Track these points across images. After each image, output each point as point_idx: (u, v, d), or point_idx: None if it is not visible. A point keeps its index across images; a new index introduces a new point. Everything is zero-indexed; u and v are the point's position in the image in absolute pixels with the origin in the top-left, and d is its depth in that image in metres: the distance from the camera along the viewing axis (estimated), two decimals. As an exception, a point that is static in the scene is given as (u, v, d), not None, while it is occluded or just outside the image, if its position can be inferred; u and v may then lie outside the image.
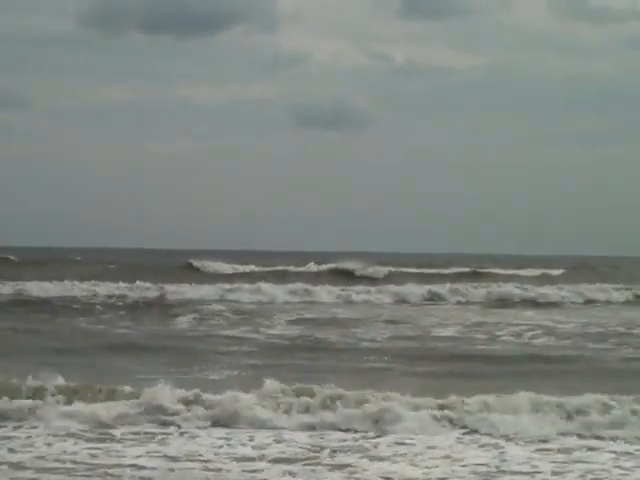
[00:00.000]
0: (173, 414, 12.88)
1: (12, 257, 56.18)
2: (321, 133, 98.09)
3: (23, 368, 14.84)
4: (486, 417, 12.83)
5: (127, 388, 13.63)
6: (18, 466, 10.38)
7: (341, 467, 10.60)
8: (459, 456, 11.24)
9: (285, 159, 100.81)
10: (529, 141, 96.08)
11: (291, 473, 10.31)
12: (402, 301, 37.32)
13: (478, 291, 39.56)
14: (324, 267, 50.54)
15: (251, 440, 11.95)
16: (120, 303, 32.61)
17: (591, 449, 11.76)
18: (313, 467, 10.61)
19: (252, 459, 10.93)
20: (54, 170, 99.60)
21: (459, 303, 37.25)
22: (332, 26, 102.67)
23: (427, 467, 10.70)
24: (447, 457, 11.15)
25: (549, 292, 39.59)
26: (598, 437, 12.42)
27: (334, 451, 11.36)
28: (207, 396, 13.34)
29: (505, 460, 11.10)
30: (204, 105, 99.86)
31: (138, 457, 10.87)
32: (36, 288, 35.03)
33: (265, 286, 37.66)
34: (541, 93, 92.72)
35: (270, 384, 13.61)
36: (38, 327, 25.30)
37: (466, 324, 27.67)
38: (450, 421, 12.83)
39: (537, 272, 54.10)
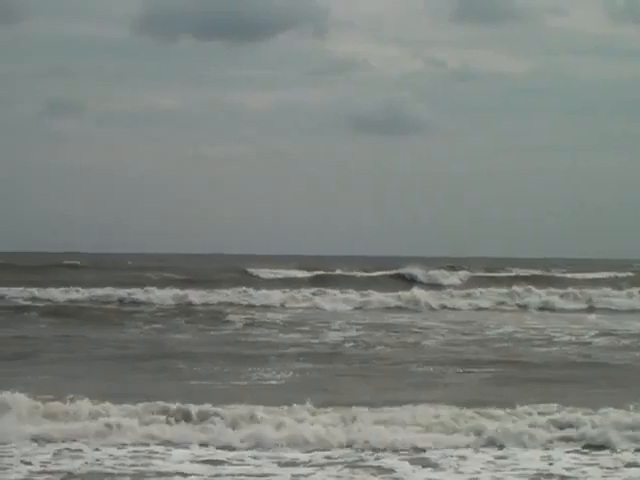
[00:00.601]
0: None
1: (78, 262, 56.51)
2: (374, 138, 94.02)
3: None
4: None
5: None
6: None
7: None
8: None
9: (336, 164, 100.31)
10: (583, 147, 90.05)
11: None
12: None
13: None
14: (389, 272, 48.90)
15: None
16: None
17: None
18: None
19: None
20: (105, 176, 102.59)
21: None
22: (385, 31, 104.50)
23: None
24: None
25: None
26: None
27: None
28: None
29: None
30: (255, 110, 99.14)
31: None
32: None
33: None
34: (595, 97, 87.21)
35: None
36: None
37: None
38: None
39: (604, 275, 52.35)
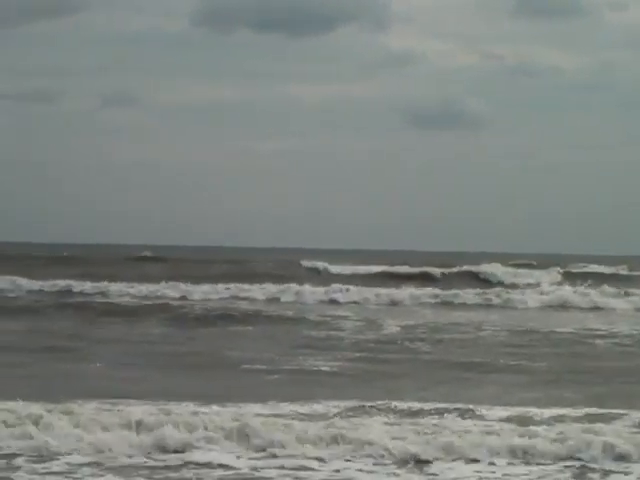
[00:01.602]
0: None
1: (148, 254, 57.68)
2: (432, 132, 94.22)
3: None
4: None
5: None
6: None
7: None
8: None
9: (396, 158, 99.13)
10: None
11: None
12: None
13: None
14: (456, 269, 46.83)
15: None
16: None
17: None
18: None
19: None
20: (166, 170, 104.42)
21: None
22: (443, 26, 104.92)
23: None
24: None
25: None
26: None
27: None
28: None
29: None
30: (313, 104, 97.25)
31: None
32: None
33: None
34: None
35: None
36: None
37: None
38: None
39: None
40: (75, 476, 9.84)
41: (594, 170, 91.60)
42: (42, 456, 10.40)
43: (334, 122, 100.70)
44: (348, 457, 10.56)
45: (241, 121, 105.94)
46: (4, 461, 10.27)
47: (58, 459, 10.35)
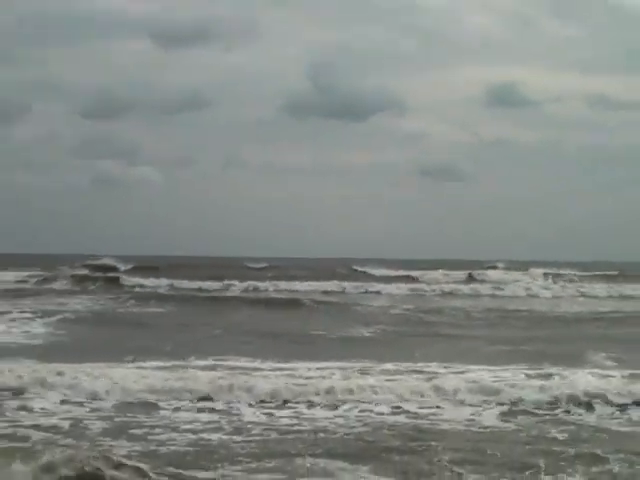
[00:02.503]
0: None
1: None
2: (436, 182, 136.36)
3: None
4: None
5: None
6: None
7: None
8: None
9: (413, 196, 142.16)
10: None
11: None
12: None
13: None
14: None
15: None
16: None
17: None
18: None
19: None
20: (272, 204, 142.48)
21: None
22: (442, 114, 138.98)
23: None
24: None
25: None
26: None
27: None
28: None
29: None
30: (361, 164, 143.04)
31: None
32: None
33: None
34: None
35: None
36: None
37: None
38: None
39: None
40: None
41: (543, 206, 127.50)
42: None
43: (373, 176, 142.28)
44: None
45: (310, 179, 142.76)
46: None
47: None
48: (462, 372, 17.47)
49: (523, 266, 61.08)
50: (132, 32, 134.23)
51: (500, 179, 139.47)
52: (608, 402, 14.93)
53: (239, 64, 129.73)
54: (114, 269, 58.49)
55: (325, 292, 46.07)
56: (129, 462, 9.67)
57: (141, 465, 9.66)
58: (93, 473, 9.17)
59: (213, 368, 17.69)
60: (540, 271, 56.48)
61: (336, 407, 14.56)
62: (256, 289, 47.07)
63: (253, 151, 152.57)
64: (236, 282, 48.31)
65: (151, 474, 9.49)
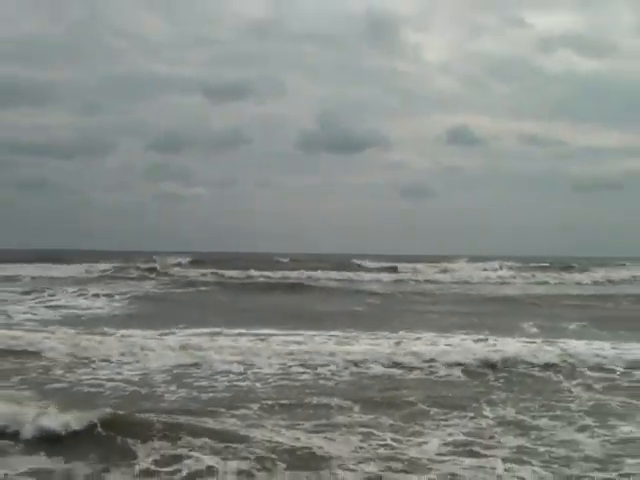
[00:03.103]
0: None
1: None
2: (410, 199, 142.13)
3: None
4: None
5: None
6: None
7: None
8: None
9: (394, 210, 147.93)
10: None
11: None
12: None
13: None
14: None
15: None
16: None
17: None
18: None
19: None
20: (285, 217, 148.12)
21: None
22: (414, 148, 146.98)
23: None
24: None
25: None
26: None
27: None
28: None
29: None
30: (358, 185, 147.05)
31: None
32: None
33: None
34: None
35: None
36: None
37: None
38: None
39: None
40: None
41: (487, 214, 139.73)
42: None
43: (366, 193, 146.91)
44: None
45: (322, 195, 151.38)
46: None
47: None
48: (420, 338, 17.85)
49: (480, 259, 61.67)
50: (188, 88, 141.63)
51: (456, 195, 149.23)
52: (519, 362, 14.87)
53: (267, 113, 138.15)
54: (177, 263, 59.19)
55: (331, 279, 46.51)
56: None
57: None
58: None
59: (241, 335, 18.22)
60: (494, 264, 57.05)
61: (331, 364, 14.56)
62: (285, 277, 46.75)
63: (277, 175, 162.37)
64: (270, 273, 48.18)
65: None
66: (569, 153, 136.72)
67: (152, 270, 50.57)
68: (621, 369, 14.32)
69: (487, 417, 10.73)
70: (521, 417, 10.76)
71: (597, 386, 12.88)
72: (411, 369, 14.30)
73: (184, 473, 7.96)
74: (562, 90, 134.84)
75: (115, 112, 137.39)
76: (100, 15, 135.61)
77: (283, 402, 11.35)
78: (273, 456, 8.41)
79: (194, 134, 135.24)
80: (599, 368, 14.35)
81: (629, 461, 8.68)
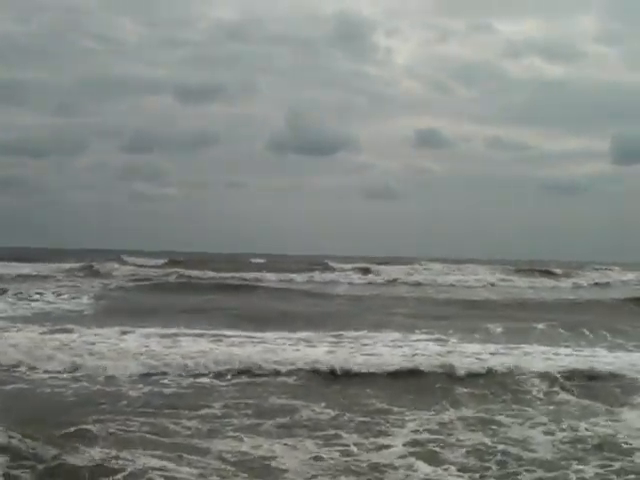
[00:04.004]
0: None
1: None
2: (376, 201, 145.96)
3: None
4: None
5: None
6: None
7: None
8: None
9: (359, 212, 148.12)
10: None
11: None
12: None
13: None
14: None
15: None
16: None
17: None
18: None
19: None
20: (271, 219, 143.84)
21: None
22: (383, 150, 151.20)
23: None
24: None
25: None
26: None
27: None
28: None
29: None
30: (326, 187, 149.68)
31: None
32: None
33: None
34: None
35: None
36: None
37: None
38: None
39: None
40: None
41: (452, 216, 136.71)
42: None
43: (336, 194, 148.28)
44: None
45: (295, 196, 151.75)
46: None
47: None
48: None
49: (448, 261, 62.02)
50: (159, 89, 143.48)
51: (423, 197, 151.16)
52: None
53: (236, 114, 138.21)
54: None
55: (303, 281, 46.38)
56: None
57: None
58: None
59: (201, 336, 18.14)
60: (465, 266, 57.56)
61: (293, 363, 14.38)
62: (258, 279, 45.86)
63: (247, 176, 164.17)
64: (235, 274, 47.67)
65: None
66: (534, 157, 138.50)
67: (96, 272, 49.76)
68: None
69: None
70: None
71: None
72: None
73: None
74: (528, 95, 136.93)
75: (88, 112, 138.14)
76: (73, 17, 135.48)
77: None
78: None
79: (165, 135, 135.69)
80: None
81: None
